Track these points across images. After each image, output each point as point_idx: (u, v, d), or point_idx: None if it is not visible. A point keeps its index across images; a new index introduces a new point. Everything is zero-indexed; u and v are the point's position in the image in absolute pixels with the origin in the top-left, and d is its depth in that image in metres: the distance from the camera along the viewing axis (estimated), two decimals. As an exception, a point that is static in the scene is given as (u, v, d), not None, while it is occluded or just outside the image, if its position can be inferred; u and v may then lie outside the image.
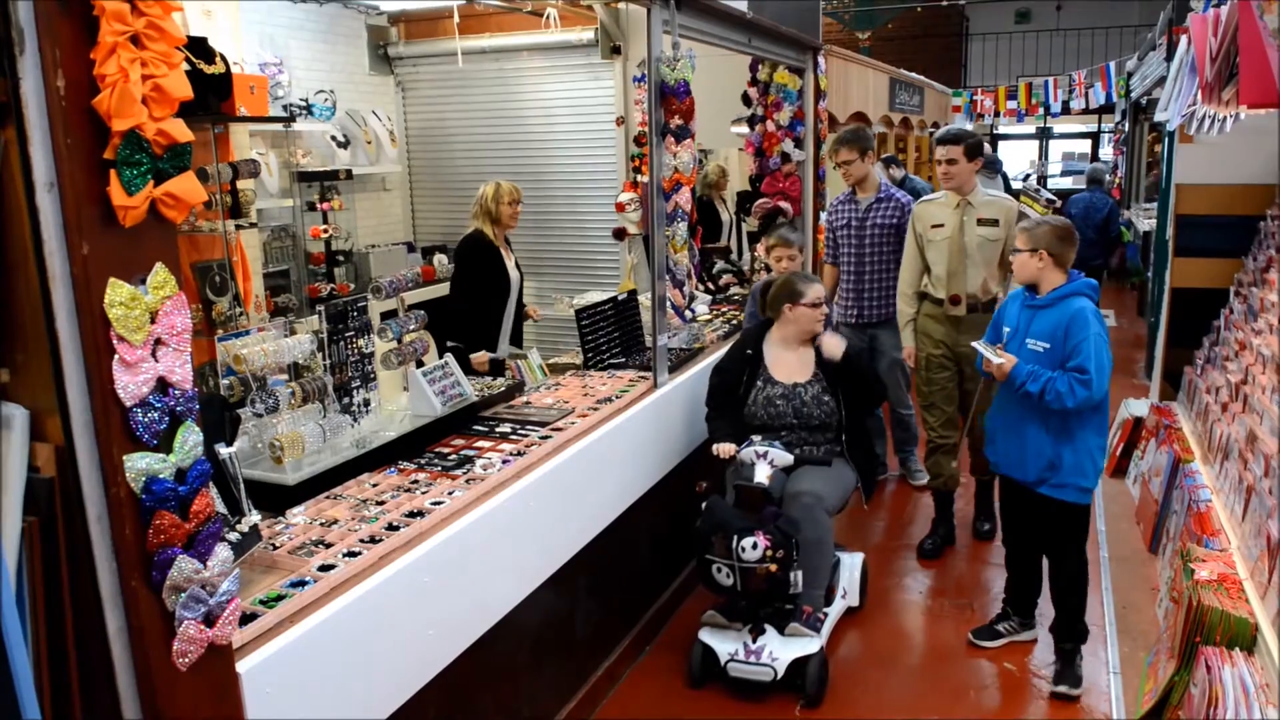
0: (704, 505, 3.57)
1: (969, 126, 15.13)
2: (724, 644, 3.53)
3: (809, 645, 3.47)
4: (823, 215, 6.02)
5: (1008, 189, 10.00)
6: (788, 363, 3.94)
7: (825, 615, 3.68)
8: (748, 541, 3.36)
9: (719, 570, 3.45)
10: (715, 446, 3.75)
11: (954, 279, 4.50)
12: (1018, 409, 3.48)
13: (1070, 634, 3.58)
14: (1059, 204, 3.95)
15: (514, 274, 4.75)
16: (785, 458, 3.61)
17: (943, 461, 4.70)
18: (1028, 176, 10.21)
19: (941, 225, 4.51)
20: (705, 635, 3.58)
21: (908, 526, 5.07)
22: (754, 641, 3.49)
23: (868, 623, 4.07)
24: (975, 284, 4.48)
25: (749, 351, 3.98)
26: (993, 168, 7.20)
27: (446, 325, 4.56)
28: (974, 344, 3.59)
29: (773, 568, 3.36)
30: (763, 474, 3.55)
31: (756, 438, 3.69)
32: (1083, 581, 3.57)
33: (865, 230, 5.15)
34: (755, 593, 3.46)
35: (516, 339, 4.89)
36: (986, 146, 7.80)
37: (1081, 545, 3.53)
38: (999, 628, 3.86)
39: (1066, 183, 16.20)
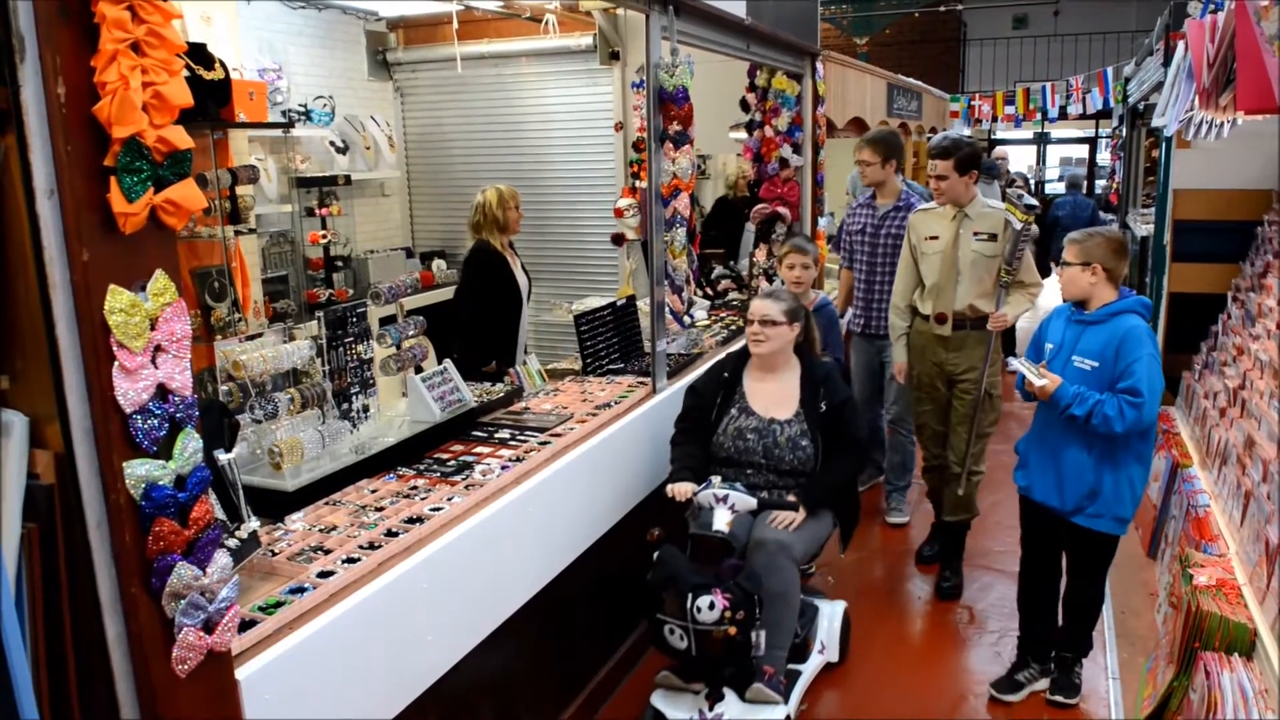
0: (656, 556, 3.18)
1: (967, 132, 15.15)
2: (677, 711, 3.15)
3: (773, 713, 3.10)
4: (821, 221, 6.03)
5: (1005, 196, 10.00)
6: (767, 394, 3.55)
7: (797, 673, 3.41)
8: (704, 601, 2.96)
9: (672, 632, 3.04)
10: (670, 486, 3.34)
11: (941, 295, 4.23)
12: (1057, 432, 3.27)
13: (1073, 645, 3.52)
14: (1039, 210, 3.78)
15: (523, 280, 4.75)
16: (748, 502, 3.22)
17: (940, 483, 4.52)
18: (1011, 182, 10.05)
19: (936, 237, 4.25)
20: (658, 699, 3.20)
21: (894, 566, 4.74)
22: (710, 709, 3.11)
23: (849, 680, 3.70)
24: (963, 301, 4.20)
25: (726, 375, 3.62)
26: (990, 173, 7.18)
27: (456, 338, 4.52)
28: (1014, 362, 3.35)
29: (731, 630, 2.97)
30: (722, 521, 3.17)
31: (716, 478, 3.30)
32: (1098, 606, 3.48)
33: (880, 238, 4.97)
34: (713, 658, 3.06)
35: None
36: (987, 153, 7.80)
37: (1105, 573, 3.42)
38: (1019, 678, 3.58)
39: (1064, 188, 16.23)
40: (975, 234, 4.16)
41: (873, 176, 4.94)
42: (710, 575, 3.08)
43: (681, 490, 3.32)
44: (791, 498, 3.38)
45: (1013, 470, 3.54)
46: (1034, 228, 4.09)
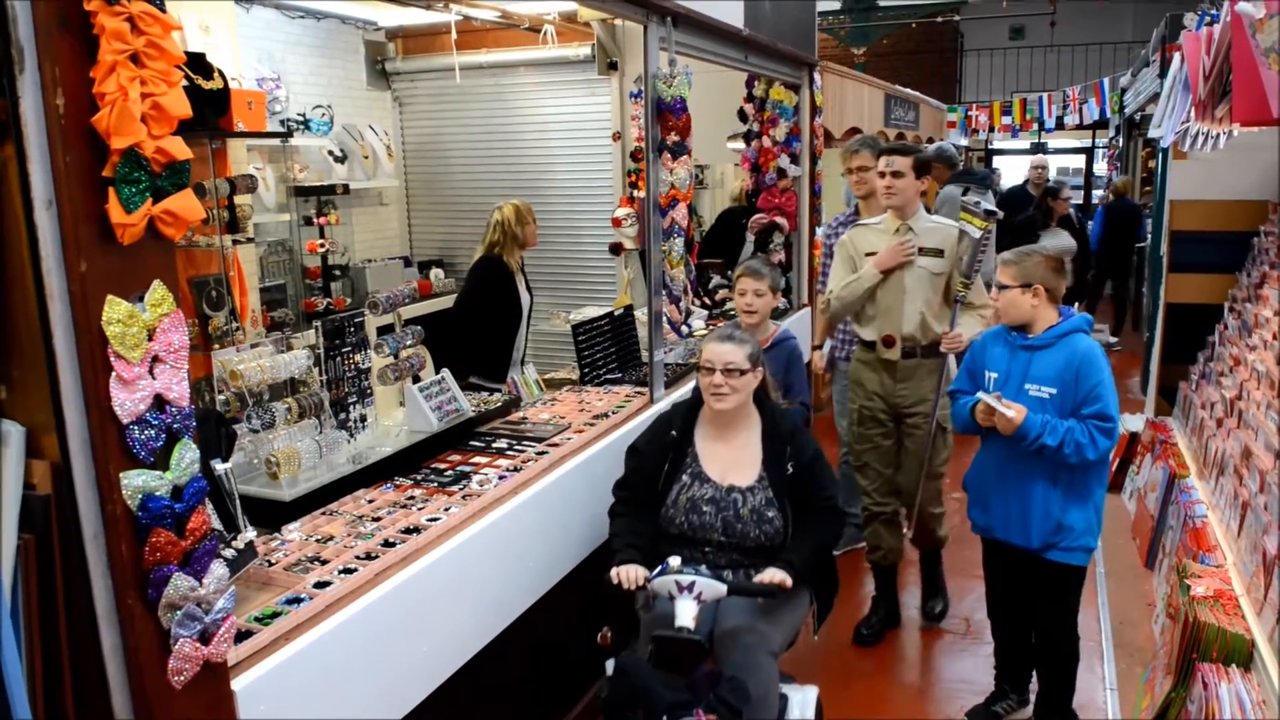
0: (611, 666, 2.74)
1: (964, 142, 15.21)
2: None
3: None
4: (819, 231, 6.03)
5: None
6: (724, 456, 2.98)
7: None
8: None
9: None
10: (616, 570, 2.72)
11: (887, 316, 3.84)
12: (1018, 466, 3.07)
13: (1059, 708, 3.30)
14: (1000, 215, 3.45)
15: (525, 297, 4.77)
16: (716, 589, 2.62)
17: (882, 532, 4.08)
18: (966, 190, 9.72)
19: (875, 254, 3.86)
20: None
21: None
22: None
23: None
24: (913, 322, 3.83)
25: (674, 433, 3.01)
26: (984, 184, 7.17)
27: (454, 351, 4.53)
28: (981, 395, 3.07)
29: None
30: (687, 615, 2.56)
31: (676, 560, 2.67)
32: (1075, 650, 3.24)
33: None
34: None
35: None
36: (985, 164, 7.74)
37: (1076, 609, 3.21)
38: (997, 709, 3.44)
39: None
40: (921, 250, 3.82)
41: (872, 184, 4.37)
42: (683, 688, 2.59)
43: (631, 576, 2.71)
44: (771, 579, 2.70)
45: (966, 507, 3.35)
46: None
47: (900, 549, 4.16)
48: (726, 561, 2.89)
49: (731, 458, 2.98)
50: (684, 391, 3.83)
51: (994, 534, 3.24)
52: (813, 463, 2.97)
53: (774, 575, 2.70)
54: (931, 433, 3.88)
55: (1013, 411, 2.96)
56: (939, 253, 3.83)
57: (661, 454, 2.99)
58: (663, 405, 3.65)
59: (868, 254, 3.87)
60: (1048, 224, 8.32)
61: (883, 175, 3.83)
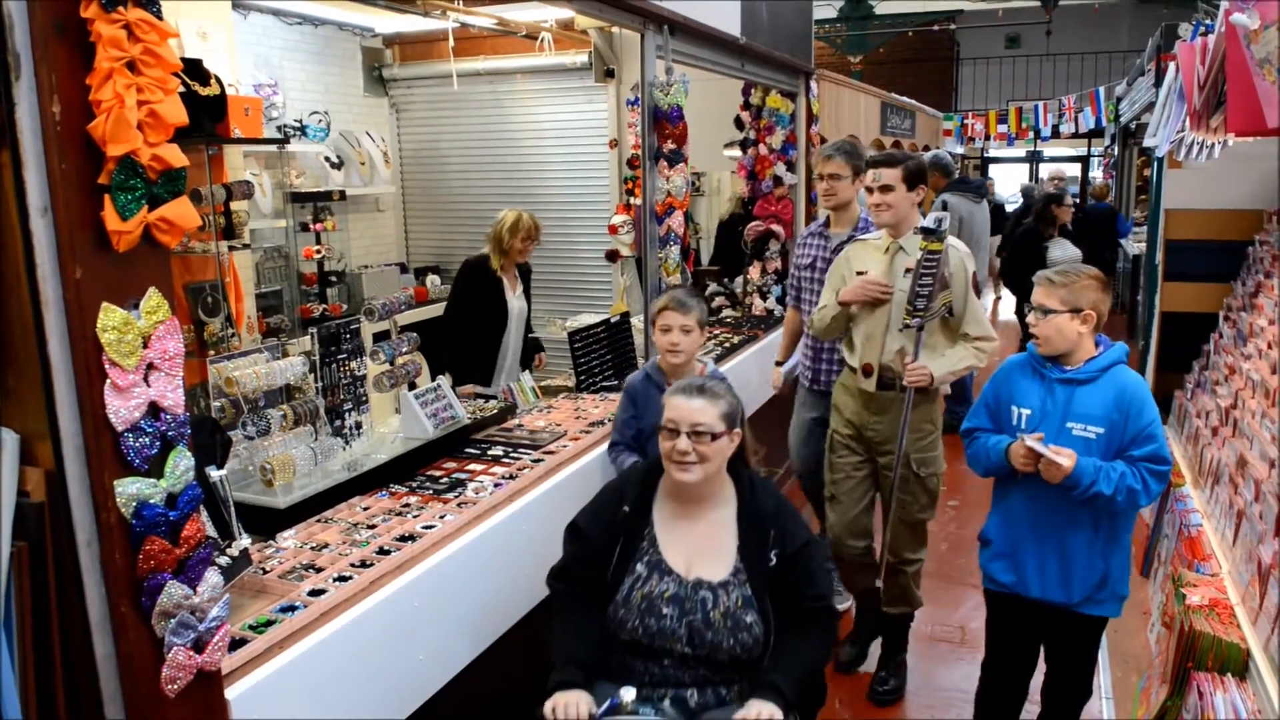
0: None
1: (960, 150, 15.26)
2: None
3: None
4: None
5: (997, 216, 9.94)
6: (690, 541, 2.36)
7: None
8: None
9: None
10: (552, 705, 2.18)
11: (869, 344, 3.47)
12: (1059, 514, 2.73)
13: None
14: (942, 231, 3.13)
15: (515, 304, 4.75)
16: None
17: (855, 575, 3.77)
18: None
19: (864, 272, 3.48)
20: None
21: None
22: None
23: None
24: (891, 351, 3.42)
25: (627, 509, 2.39)
26: (978, 192, 7.14)
27: (441, 349, 4.56)
28: (1028, 441, 2.64)
29: None
30: None
31: (626, 694, 2.13)
32: (1090, 690, 3.00)
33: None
34: None
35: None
36: (981, 173, 7.73)
37: (1097, 657, 2.97)
38: None
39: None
40: (908, 270, 3.33)
41: (842, 195, 4.03)
42: None
43: (572, 714, 2.15)
44: (755, 718, 2.13)
45: (982, 561, 2.95)
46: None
47: (876, 590, 3.70)
48: (691, 679, 2.27)
49: (699, 543, 2.35)
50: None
51: (1027, 592, 2.82)
52: (802, 551, 2.34)
53: (759, 713, 2.13)
54: (897, 474, 3.45)
55: (1064, 458, 2.59)
56: None
57: (610, 535, 2.37)
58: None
59: (859, 273, 3.50)
60: (1050, 233, 8.23)
61: (870, 191, 3.47)
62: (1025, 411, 2.78)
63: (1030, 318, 2.80)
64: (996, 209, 10.98)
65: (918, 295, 3.20)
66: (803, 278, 4.19)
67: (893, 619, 3.72)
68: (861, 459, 3.60)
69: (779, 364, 4.52)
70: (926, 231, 3.15)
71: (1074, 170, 18.86)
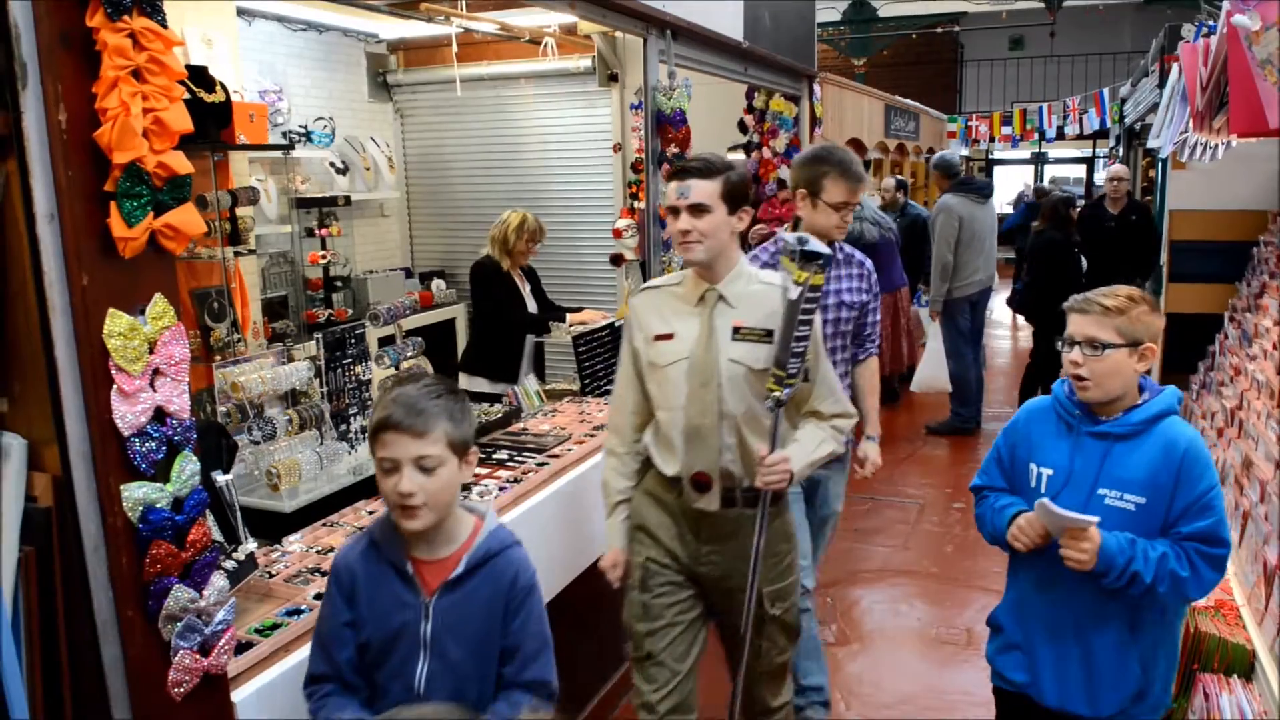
0: None
1: (965, 152, 15.25)
2: None
3: None
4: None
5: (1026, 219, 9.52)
6: None
7: None
8: None
9: None
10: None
11: (695, 444, 2.40)
12: (1077, 606, 2.16)
13: None
14: (825, 257, 2.17)
15: (531, 302, 4.80)
16: None
17: None
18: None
19: (670, 336, 2.44)
20: None
21: None
22: None
23: None
24: (729, 450, 2.39)
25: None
26: (982, 193, 6.97)
27: (467, 353, 4.63)
28: (1051, 507, 2.01)
29: None
30: None
31: None
32: None
33: (828, 313, 3.09)
34: None
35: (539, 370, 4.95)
36: (986, 173, 7.46)
37: None
38: None
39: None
40: (737, 330, 2.37)
41: (849, 225, 3.16)
42: None
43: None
44: None
45: (989, 653, 2.39)
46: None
47: None
48: None
49: None
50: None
51: (1042, 699, 2.23)
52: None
53: None
54: (749, 621, 2.39)
55: (1087, 546, 2.01)
56: (769, 334, 2.33)
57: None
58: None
59: (658, 337, 2.45)
60: (1077, 239, 7.13)
61: (675, 212, 2.41)
62: (1047, 472, 2.19)
63: (1073, 355, 2.13)
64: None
65: (792, 355, 2.23)
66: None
67: None
68: (691, 594, 2.54)
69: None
70: (807, 256, 2.18)
71: (1078, 172, 18.87)
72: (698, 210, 2.37)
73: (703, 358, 2.38)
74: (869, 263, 3.26)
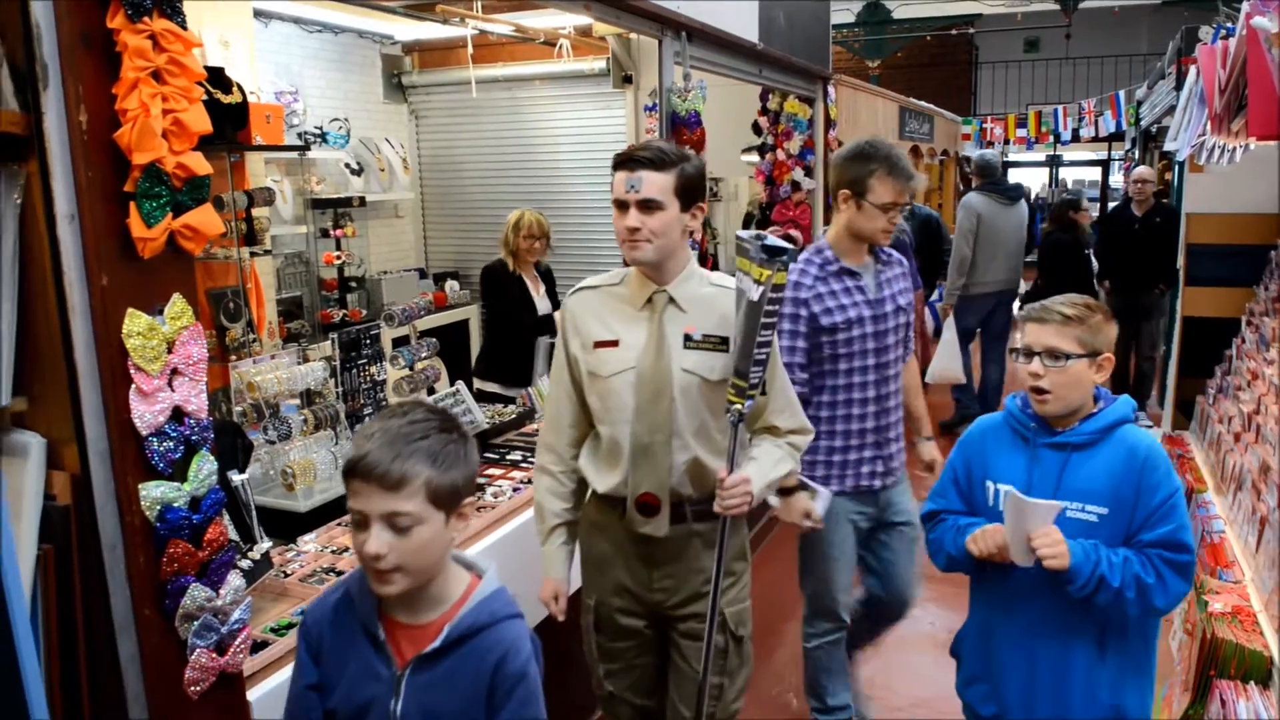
0: None
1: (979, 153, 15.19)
2: None
3: None
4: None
5: (1032, 221, 9.33)
6: None
7: None
8: None
9: None
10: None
11: (642, 463, 2.18)
12: (1046, 624, 2.10)
13: None
14: (791, 252, 1.96)
15: (541, 304, 4.77)
16: None
17: None
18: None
19: (614, 343, 2.21)
20: None
21: None
22: None
23: None
24: (679, 469, 2.18)
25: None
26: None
27: (481, 358, 4.66)
28: (1020, 497, 1.98)
29: None
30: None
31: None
32: None
33: (889, 320, 2.90)
34: None
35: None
36: (994, 165, 7.26)
37: None
38: None
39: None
40: (689, 339, 2.17)
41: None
42: None
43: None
44: None
45: (958, 685, 2.37)
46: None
47: None
48: None
49: None
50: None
51: None
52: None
53: None
54: (709, 652, 2.21)
55: (1058, 552, 1.96)
56: (723, 342, 2.16)
57: None
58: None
59: (599, 344, 2.22)
60: (1079, 241, 7.21)
61: (623, 207, 2.15)
62: (1005, 488, 2.11)
63: (1033, 366, 2.08)
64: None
65: (754, 363, 2.03)
66: (839, 345, 2.84)
67: None
68: (645, 640, 2.37)
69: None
70: (770, 252, 1.95)
71: (1094, 175, 18.79)
72: (648, 206, 2.12)
73: (652, 368, 2.15)
74: (905, 259, 3.11)
